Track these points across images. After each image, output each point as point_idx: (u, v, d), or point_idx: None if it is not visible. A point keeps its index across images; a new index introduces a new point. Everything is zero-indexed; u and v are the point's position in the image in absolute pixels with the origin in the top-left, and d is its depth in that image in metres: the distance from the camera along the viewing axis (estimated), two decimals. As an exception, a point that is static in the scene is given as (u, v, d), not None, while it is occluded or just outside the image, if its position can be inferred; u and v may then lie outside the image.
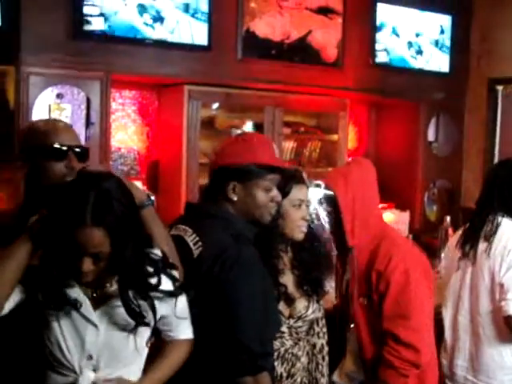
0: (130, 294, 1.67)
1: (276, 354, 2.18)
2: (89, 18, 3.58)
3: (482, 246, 2.69)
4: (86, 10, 3.56)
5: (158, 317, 1.73)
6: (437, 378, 2.47)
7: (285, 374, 2.22)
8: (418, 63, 5.02)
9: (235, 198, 2.00)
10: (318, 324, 2.36)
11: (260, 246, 2.02)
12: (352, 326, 2.42)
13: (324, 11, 4.45)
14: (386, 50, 4.82)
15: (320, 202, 2.35)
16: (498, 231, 2.66)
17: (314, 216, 2.34)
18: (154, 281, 1.71)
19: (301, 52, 4.40)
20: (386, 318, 2.26)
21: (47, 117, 3.78)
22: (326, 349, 2.38)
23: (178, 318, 1.81)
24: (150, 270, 1.72)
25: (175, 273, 1.79)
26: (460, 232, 2.89)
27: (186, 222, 2.04)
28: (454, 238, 2.96)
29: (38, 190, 1.91)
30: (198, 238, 1.95)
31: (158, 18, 3.81)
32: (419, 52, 5.02)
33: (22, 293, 1.67)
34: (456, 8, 5.15)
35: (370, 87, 4.76)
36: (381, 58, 4.80)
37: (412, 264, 2.29)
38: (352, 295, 2.37)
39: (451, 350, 2.79)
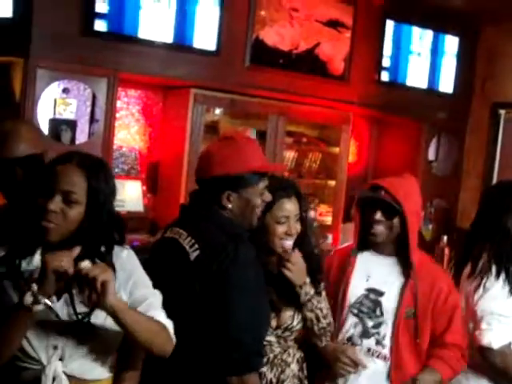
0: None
1: (265, 359, 2.18)
2: (100, 17, 3.59)
3: (466, 270, 2.52)
4: (98, 8, 3.58)
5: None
6: None
7: (274, 380, 2.18)
8: (422, 82, 5.05)
9: (230, 206, 1.98)
10: None
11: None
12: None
13: (334, 24, 4.48)
14: (392, 67, 4.85)
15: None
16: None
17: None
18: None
19: (308, 63, 4.43)
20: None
21: (52, 111, 3.80)
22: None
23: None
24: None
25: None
26: None
27: (180, 225, 2.04)
28: None
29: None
30: (193, 241, 1.95)
31: (168, 21, 3.82)
32: (424, 71, 5.05)
33: None
34: (463, 30, 5.19)
35: (374, 103, 4.79)
36: (386, 74, 4.83)
37: None
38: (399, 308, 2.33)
39: None
